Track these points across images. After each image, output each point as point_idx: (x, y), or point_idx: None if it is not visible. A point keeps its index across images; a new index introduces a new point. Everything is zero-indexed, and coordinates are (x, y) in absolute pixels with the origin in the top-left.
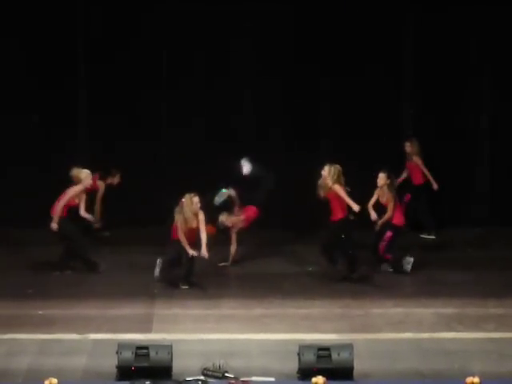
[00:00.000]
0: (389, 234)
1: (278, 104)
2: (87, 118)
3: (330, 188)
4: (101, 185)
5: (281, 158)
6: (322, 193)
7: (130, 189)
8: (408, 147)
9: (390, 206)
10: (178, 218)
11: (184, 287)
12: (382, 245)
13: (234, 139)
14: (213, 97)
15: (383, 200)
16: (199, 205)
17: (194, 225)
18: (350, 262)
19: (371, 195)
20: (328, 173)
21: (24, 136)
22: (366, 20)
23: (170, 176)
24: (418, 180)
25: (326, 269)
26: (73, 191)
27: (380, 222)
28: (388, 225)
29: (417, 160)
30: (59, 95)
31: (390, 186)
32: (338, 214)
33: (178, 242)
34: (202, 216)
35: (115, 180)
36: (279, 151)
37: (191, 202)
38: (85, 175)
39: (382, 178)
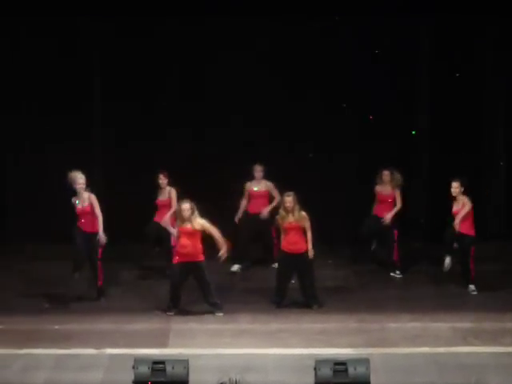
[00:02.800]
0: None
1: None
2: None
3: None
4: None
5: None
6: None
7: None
8: (386, 176)
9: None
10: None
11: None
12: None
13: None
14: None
15: (459, 208)
16: (189, 212)
17: (189, 226)
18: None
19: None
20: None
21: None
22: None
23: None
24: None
25: (341, 283)
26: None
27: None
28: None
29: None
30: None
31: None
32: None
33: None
34: (202, 222)
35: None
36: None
37: (180, 209)
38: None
39: (457, 187)
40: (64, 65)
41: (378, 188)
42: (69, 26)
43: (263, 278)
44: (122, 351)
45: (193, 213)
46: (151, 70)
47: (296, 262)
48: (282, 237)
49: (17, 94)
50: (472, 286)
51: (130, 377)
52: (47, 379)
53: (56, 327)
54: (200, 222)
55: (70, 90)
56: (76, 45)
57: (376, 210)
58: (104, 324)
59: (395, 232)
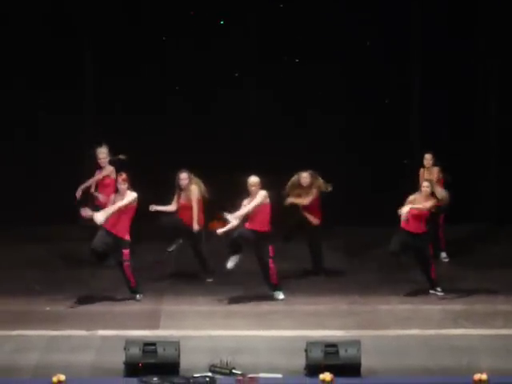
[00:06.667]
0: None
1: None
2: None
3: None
4: None
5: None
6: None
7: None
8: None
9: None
10: None
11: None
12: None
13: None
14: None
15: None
16: (186, 181)
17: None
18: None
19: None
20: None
21: None
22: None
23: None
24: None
25: (333, 265)
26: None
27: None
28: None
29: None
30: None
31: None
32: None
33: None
34: (194, 190)
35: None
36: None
37: (178, 178)
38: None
39: (430, 159)
40: (55, 39)
41: (417, 197)
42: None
43: (254, 260)
44: (114, 333)
45: (190, 181)
46: (143, 42)
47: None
48: None
49: (8, 70)
50: (444, 254)
51: (122, 358)
52: (39, 360)
53: (47, 309)
54: (191, 189)
55: (61, 65)
56: (67, 20)
57: (406, 223)
58: (95, 306)
59: (430, 246)
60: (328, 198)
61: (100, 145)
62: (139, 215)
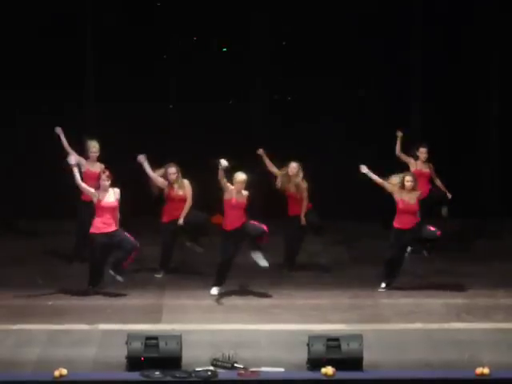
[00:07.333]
0: None
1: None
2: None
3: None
4: None
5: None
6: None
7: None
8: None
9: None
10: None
11: None
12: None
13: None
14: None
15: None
16: (175, 175)
17: (179, 193)
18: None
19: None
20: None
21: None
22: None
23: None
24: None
25: (335, 259)
26: None
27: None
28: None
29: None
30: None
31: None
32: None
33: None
34: (187, 184)
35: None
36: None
37: (166, 173)
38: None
39: (426, 152)
40: (56, 27)
41: (401, 195)
42: None
43: None
44: (115, 327)
45: (178, 176)
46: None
47: None
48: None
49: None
50: (445, 209)
51: (123, 352)
52: (40, 355)
53: (49, 303)
54: (185, 183)
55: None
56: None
57: (398, 221)
58: (97, 300)
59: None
60: (328, 193)
61: (92, 138)
62: (139, 209)
